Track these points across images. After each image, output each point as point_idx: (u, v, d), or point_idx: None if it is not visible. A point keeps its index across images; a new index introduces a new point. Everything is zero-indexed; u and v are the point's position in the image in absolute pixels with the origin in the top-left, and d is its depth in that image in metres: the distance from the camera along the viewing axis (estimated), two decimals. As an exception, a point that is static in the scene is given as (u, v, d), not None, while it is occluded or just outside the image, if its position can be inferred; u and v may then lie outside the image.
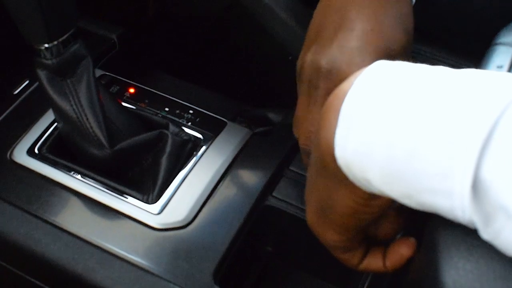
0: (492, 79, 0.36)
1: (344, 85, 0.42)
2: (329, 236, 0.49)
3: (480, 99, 0.35)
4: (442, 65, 0.70)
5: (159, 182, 0.67)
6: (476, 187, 0.34)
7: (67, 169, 0.70)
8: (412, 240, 0.50)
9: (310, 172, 0.48)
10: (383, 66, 0.40)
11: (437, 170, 0.35)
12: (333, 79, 0.54)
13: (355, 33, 0.54)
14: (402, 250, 0.50)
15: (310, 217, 0.49)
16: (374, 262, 0.51)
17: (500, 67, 0.55)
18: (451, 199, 0.35)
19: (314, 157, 0.46)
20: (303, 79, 0.58)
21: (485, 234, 0.36)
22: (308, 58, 0.56)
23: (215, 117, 0.76)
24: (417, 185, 0.37)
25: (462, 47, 0.71)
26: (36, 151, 0.71)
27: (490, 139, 0.34)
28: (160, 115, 0.75)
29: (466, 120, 0.35)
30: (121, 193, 0.67)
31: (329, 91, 0.54)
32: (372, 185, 0.40)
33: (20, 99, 0.78)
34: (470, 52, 0.69)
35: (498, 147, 0.34)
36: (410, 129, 0.36)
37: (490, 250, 0.38)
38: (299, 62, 0.59)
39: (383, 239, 0.51)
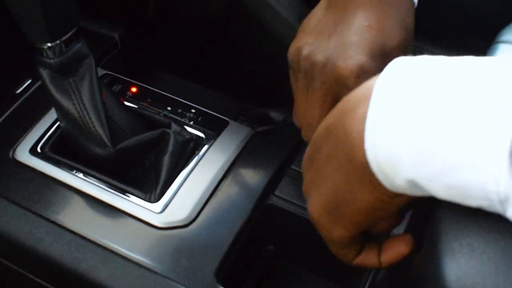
0: None
1: (373, 81, 0.42)
2: (336, 231, 0.48)
3: None
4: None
5: (161, 181, 0.67)
6: None
7: (70, 168, 0.70)
8: (409, 237, 0.50)
9: (320, 166, 0.47)
10: (409, 59, 0.41)
11: (470, 145, 0.35)
12: (329, 73, 0.56)
13: (353, 28, 0.56)
14: (399, 247, 0.49)
15: (316, 211, 0.48)
16: (369, 258, 0.50)
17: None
18: (484, 174, 0.35)
19: (332, 150, 0.45)
20: (299, 70, 0.59)
21: None
22: (305, 51, 0.58)
23: (217, 116, 0.76)
24: (448, 162, 0.37)
25: (464, 45, 0.71)
26: (38, 150, 0.72)
27: None
28: (162, 114, 0.76)
29: (505, 96, 0.35)
30: (124, 192, 0.68)
31: (325, 84, 0.56)
32: (398, 169, 0.39)
33: (23, 98, 0.78)
34: (472, 50, 0.69)
35: None
36: (443, 110, 0.37)
37: (492, 246, 0.39)
38: (292, 51, 0.60)
39: (378, 235, 0.51)
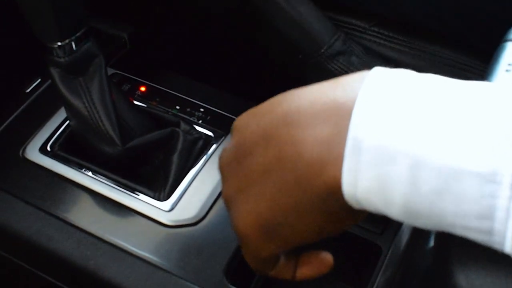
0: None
1: (343, 96, 0.37)
2: (267, 250, 0.43)
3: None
4: (451, 63, 0.71)
5: (171, 179, 0.68)
6: None
7: (79, 167, 0.70)
8: (329, 258, 0.47)
9: (252, 176, 0.40)
10: (387, 76, 0.36)
11: (473, 210, 0.32)
12: None
13: None
14: (318, 267, 0.47)
15: (247, 227, 0.42)
16: (285, 271, 0.47)
17: (511, 64, 0.55)
18: (489, 236, 0.33)
19: (272, 164, 0.39)
20: None
21: None
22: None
23: (226, 115, 0.76)
24: (448, 222, 0.34)
25: (471, 44, 0.71)
26: (48, 148, 0.72)
27: None
28: (171, 113, 0.76)
29: (506, 151, 0.31)
30: (133, 190, 0.68)
31: None
32: (388, 216, 0.36)
33: (32, 97, 0.79)
34: (479, 49, 0.69)
35: None
36: (437, 160, 0.32)
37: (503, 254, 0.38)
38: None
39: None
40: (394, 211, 0.35)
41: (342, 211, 0.38)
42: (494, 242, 0.33)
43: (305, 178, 0.37)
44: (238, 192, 0.42)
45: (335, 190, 0.36)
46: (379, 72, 0.36)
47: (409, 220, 0.35)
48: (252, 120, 0.41)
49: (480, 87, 0.34)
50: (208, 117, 0.76)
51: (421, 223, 0.35)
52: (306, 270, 0.47)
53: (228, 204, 0.44)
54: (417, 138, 0.33)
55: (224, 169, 0.44)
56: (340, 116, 0.36)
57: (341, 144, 0.35)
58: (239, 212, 0.42)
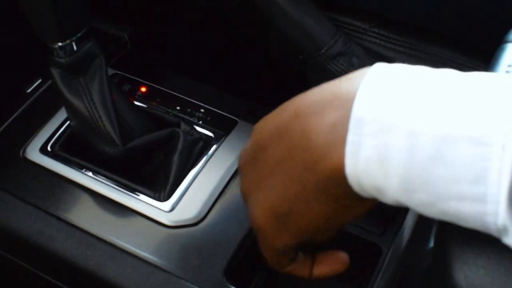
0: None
1: (348, 86, 0.39)
2: (282, 240, 0.44)
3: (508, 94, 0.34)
4: (450, 63, 0.71)
5: (171, 179, 0.68)
6: None
7: (80, 167, 0.70)
8: (345, 256, 0.49)
9: (267, 169, 0.43)
10: (389, 67, 0.39)
11: (467, 174, 0.33)
12: None
13: None
14: (334, 265, 0.49)
15: (262, 217, 0.44)
16: (302, 268, 0.48)
17: (511, 66, 0.55)
18: (482, 205, 0.33)
19: (284, 154, 0.41)
20: None
21: None
22: None
23: (226, 116, 0.76)
24: (443, 191, 0.35)
25: (471, 44, 0.71)
26: (48, 149, 0.72)
27: None
28: (172, 114, 0.76)
29: (497, 117, 0.33)
30: (133, 190, 0.68)
31: None
32: (385, 195, 0.37)
33: (33, 97, 0.79)
34: (479, 50, 0.69)
35: None
36: (433, 129, 0.34)
37: (500, 247, 0.39)
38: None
39: (316, 245, 0.48)
40: (391, 185, 0.36)
41: (346, 196, 0.40)
42: (488, 213, 0.34)
43: (312, 163, 0.39)
44: (254, 185, 0.44)
45: (339, 170, 0.38)
46: (380, 64, 0.39)
47: (406, 195, 0.37)
48: (268, 120, 0.44)
49: (470, 73, 0.37)
50: (209, 118, 0.76)
51: (416, 199, 0.36)
52: (323, 268, 0.49)
53: (245, 199, 0.46)
54: (415, 111, 0.35)
55: (242, 166, 0.46)
56: (345, 102, 0.38)
57: (345, 126, 0.37)
58: (254, 204, 0.44)
